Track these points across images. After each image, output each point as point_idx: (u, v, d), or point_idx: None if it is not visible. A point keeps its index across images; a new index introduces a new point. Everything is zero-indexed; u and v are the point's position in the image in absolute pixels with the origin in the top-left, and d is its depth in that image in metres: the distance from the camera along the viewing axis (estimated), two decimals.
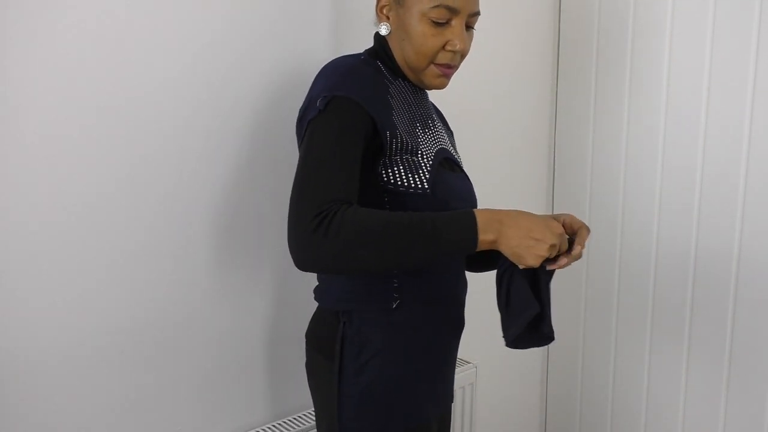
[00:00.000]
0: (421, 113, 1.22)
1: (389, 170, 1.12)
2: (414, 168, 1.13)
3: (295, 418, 1.51)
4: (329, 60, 1.19)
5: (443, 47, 1.14)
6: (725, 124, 1.61)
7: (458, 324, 1.27)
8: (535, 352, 2.15)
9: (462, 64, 1.21)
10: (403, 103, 1.18)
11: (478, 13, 1.17)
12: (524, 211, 1.06)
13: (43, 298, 1.18)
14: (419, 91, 1.24)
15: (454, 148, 1.32)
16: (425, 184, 1.13)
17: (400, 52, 1.18)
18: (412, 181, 1.13)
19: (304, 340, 1.27)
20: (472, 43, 1.25)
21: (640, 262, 1.84)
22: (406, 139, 1.13)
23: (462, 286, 1.28)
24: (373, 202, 1.12)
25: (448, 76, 1.18)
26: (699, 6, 1.63)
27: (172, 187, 1.30)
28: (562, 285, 2.07)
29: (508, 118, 1.93)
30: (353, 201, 1.04)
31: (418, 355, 1.19)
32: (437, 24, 1.12)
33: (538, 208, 2.07)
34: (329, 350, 1.18)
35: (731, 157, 1.61)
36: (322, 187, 1.01)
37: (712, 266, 1.68)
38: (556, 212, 2.06)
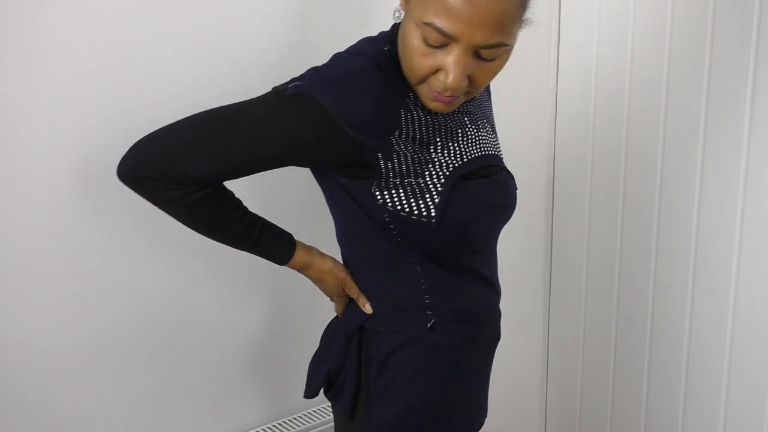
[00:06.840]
0: (450, 123, 1.03)
1: (385, 192, 0.98)
2: (418, 192, 0.98)
3: (295, 418, 1.51)
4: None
5: (435, 72, 0.92)
6: (724, 126, 1.62)
7: (496, 337, 1.18)
8: (534, 353, 2.15)
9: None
10: (423, 115, 1.00)
11: (497, 45, 0.90)
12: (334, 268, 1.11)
13: (44, 298, 1.18)
14: None
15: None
16: (431, 211, 0.97)
17: (401, 51, 0.96)
18: (415, 207, 0.97)
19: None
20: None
21: (641, 262, 1.84)
22: (407, 164, 0.97)
23: (498, 295, 1.17)
24: (374, 222, 1.01)
25: (446, 103, 0.95)
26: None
27: None
28: (562, 284, 2.07)
29: (507, 117, 1.93)
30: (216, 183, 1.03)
31: (456, 378, 1.09)
32: (430, 44, 0.90)
33: (539, 208, 2.06)
34: (350, 380, 1.07)
35: (730, 163, 1.61)
36: (211, 163, 0.98)
37: (713, 265, 1.68)
38: (556, 212, 2.05)
